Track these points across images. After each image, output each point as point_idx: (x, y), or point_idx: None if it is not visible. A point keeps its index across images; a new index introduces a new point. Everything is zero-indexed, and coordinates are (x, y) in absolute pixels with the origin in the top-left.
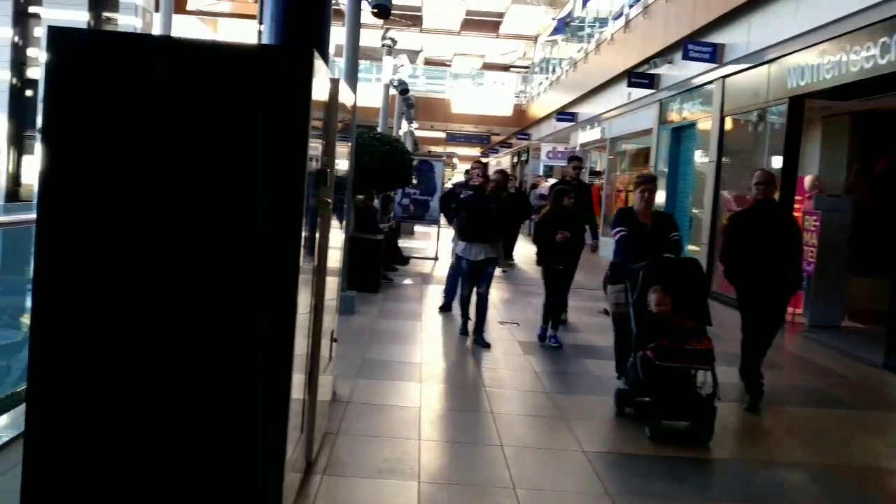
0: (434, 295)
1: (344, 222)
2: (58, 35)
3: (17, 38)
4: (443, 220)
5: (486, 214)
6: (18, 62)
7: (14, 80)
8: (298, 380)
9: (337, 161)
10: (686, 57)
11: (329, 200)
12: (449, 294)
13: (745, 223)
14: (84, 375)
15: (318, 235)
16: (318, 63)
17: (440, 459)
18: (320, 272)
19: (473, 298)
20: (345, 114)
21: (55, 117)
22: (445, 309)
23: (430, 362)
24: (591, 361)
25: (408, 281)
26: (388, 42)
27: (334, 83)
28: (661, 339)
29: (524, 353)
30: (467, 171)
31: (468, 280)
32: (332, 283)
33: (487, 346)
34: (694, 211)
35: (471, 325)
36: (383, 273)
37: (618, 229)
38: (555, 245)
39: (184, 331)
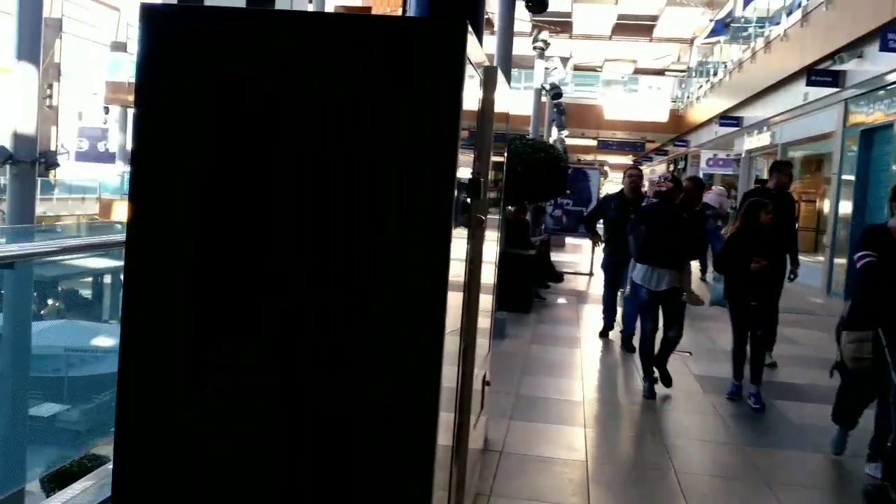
0: (592, 316)
1: (499, 237)
2: (146, 14)
3: None
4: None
5: (673, 231)
6: None
7: None
8: (446, 421)
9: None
10: (885, 48)
11: (483, 217)
12: (608, 317)
13: None
14: (177, 429)
15: (469, 257)
16: (472, 40)
17: None
18: (471, 299)
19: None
20: (501, 122)
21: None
22: (605, 334)
23: (594, 400)
24: (789, 404)
25: (562, 300)
26: (539, 45)
27: (490, 72)
28: None
29: (704, 392)
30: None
31: (648, 312)
32: (485, 306)
33: (670, 381)
34: (893, 224)
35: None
36: (535, 291)
37: (863, 254)
38: (748, 274)
39: (303, 365)
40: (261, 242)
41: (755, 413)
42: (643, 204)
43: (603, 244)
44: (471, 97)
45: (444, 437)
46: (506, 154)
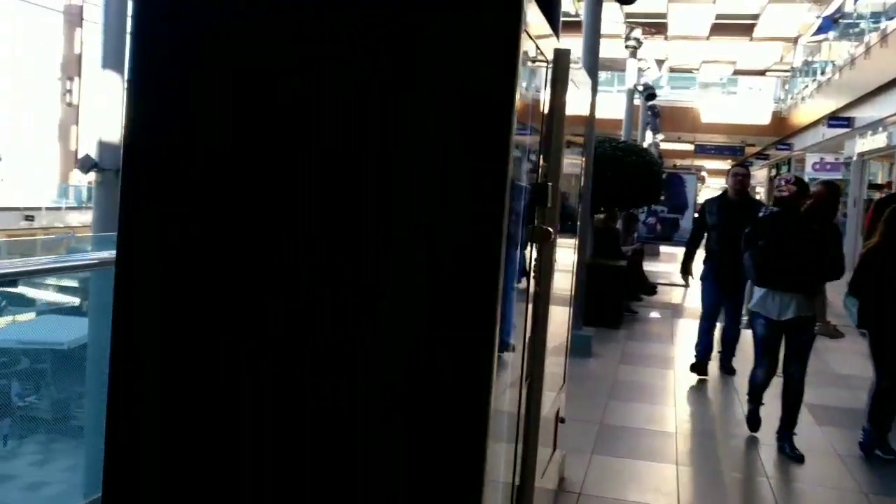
0: (687, 332)
1: (578, 244)
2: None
3: None
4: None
5: (799, 245)
6: None
7: None
8: (506, 454)
9: (567, 172)
10: None
11: (550, 229)
12: (703, 350)
13: None
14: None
15: (532, 277)
16: (533, 15)
17: None
18: (536, 315)
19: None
20: (580, 121)
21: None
22: (698, 368)
23: (689, 433)
24: None
25: (655, 314)
26: (632, 43)
27: (561, 56)
28: None
29: (817, 424)
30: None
31: (766, 352)
32: (559, 323)
33: (800, 458)
34: None
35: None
36: (626, 305)
37: None
38: (891, 295)
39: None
40: (265, 241)
41: (888, 463)
42: (761, 214)
43: (705, 259)
44: (530, 84)
45: (503, 472)
46: (584, 158)
